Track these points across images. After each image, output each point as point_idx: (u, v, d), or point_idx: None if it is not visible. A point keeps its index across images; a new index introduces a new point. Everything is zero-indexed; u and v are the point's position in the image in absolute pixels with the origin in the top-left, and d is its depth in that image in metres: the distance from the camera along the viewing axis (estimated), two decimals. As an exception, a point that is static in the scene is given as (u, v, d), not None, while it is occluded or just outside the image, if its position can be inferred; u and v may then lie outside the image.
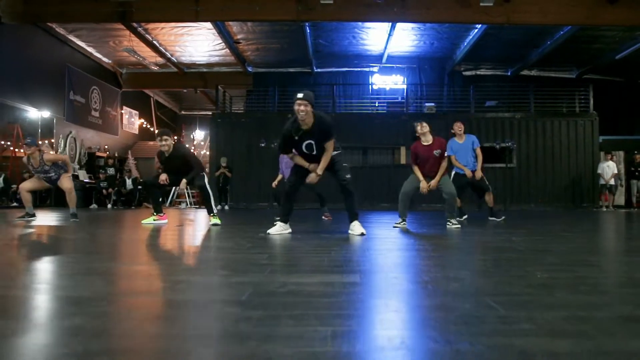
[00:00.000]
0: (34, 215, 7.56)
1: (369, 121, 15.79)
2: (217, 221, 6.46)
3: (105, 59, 17.63)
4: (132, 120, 20.31)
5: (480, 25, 13.84)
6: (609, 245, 4.53)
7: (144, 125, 21.19)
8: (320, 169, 4.81)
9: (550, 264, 2.86)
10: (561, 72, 18.05)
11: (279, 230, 4.90)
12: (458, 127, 7.71)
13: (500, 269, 2.66)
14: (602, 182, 15.34)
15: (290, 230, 5.01)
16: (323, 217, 8.22)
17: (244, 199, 15.60)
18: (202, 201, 6.88)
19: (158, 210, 6.87)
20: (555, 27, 13.77)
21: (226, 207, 15.00)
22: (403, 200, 6.26)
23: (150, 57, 16.65)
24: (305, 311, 1.65)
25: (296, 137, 4.73)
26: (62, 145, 15.10)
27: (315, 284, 2.15)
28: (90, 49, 16.53)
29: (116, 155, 17.78)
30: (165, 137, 6.69)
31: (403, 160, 15.85)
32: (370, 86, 18.15)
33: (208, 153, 19.69)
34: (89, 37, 15.45)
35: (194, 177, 6.64)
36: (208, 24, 13.83)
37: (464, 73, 18.05)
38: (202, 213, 11.78)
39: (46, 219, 8.27)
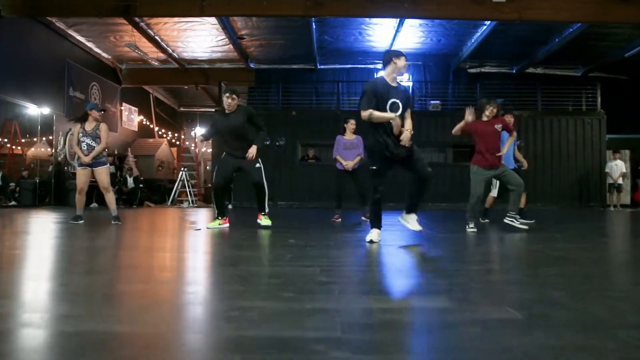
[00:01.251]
0: (81, 219, 6.91)
1: (374, 119, 15.53)
2: (268, 223, 6.14)
3: (104, 55, 17.26)
4: (131, 117, 19.94)
5: (489, 22, 13.62)
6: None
7: (144, 122, 20.83)
8: (408, 128, 4.51)
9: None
10: (567, 70, 17.86)
11: (376, 237, 4.48)
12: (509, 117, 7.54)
13: (592, 289, 2.43)
14: (610, 181, 15.23)
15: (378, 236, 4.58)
16: (362, 218, 7.94)
17: (247, 197, 15.29)
18: (256, 197, 6.38)
19: (222, 214, 6.40)
20: (565, 24, 13.56)
21: (230, 206, 14.74)
22: (478, 204, 6.06)
23: (151, 52, 16.31)
24: (427, 352, 1.41)
25: (389, 96, 4.50)
26: (61, 143, 14.76)
27: (406, 311, 1.91)
28: (90, 44, 16.16)
29: (116, 152, 17.44)
30: (234, 95, 6.23)
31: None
32: (375, 83, 17.87)
33: (210, 151, 19.41)
34: (89, 32, 15.08)
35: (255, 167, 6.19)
36: (212, 19, 13.51)
37: (468, 70, 17.83)
38: (205, 214, 11.51)
39: (50, 220, 7.99)
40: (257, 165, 6.23)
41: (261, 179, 6.20)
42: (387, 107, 4.48)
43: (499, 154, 6.08)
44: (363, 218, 7.89)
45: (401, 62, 4.50)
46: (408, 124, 4.54)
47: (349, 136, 8.34)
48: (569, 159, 15.62)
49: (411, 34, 15.02)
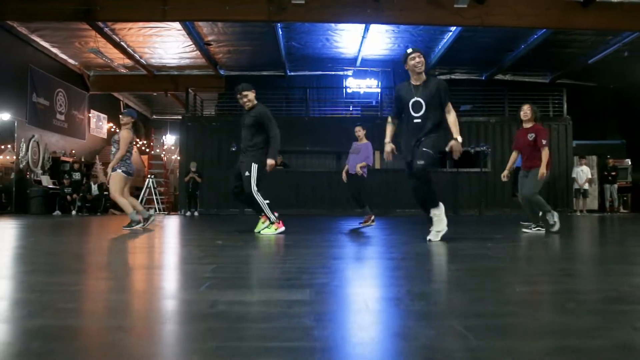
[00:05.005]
0: (147, 219, 6.55)
1: (342, 125, 15.48)
2: (269, 232, 5.61)
3: (71, 61, 17.01)
4: (100, 124, 19.66)
5: (454, 28, 13.69)
6: (590, 251, 4.27)
7: (113, 130, 20.54)
8: (457, 134, 4.49)
9: (529, 275, 2.56)
10: (535, 77, 18.06)
11: (443, 226, 4.50)
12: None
13: (474, 282, 2.35)
14: (576, 186, 15.34)
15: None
16: (360, 224, 7.66)
17: (215, 205, 15.14)
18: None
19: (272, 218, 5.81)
20: (529, 30, 13.68)
21: (196, 214, 14.57)
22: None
23: (118, 58, 16.11)
24: (225, 342, 1.30)
25: (412, 95, 4.52)
26: (23, 150, 14.46)
27: (253, 303, 1.80)
28: (54, 50, 15.91)
29: (83, 160, 17.15)
30: (245, 92, 5.79)
31: (377, 165, 15.59)
32: (344, 90, 17.90)
33: (178, 158, 19.19)
34: (53, 37, 14.84)
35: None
36: (177, 25, 13.39)
37: (438, 77, 17.89)
38: (172, 221, 11.32)
39: (6, 229, 7.76)
40: (247, 173, 5.64)
41: (248, 188, 5.62)
42: (410, 107, 4.51)
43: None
44: (360, 224, 7.58)
45: (411, 60, 4.50)
46: (454, 127, 4.51)
47: (360, 141, 8.03)
48: (536, 165, 15.67)
49: (378, 41, 15.03)
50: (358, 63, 16.75)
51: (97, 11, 11.92)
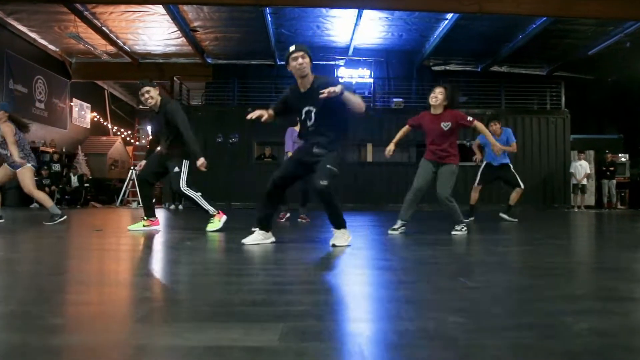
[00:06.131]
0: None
1: (334, 116, 14.94)
2: (212, 227, 5.20)
3: (51, 46, 16.28)
4: (82, 114, 18.96)
5: (451, 16, 13.13)
6: (624, 261, 3.74)
7: (96, 119, 19.86)
8: (339, 88, 3.51)
9: (570, 299, 2.02)
10: (532, 69, 17.56)
11: (256, 239, 3.84)
12: (494, 124, 7.83)
13: (486, 307, 1.81)
14: (574, 181, 14.89)
15: (273, 239, 3.93)
16: (299, 220, 7.41)
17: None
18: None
19: (149, 214, 5.48)
20: (528, 19, 13.17)
21: (180, 207, 13.97)
22: (411, 199, 5.14)
23: (100, 45, 15.43)
24: None
25: (302, 103, 3.79)
26: (-1, 139, 13.79)
27: (190, 352, 1.26)
28: (33, 35, 15.19)
29: (64, 150, 16.48)
30: (147, 87, 5.33)
31: (370, 158, 15.09)
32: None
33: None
34: (31, 21, 14.12)
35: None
36: (161, 9, 12.73)
37: (433, 68, 17.37)
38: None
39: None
40: (176, 169, 5.31)
41: (177, 185, 5.28)
42: (303, 117, 3.81)
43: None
44: (299, 220, 7.36)
45: (293, 61, 3.69)
46: (352, 96, 3.70)
47: None
48: (533, 159, 15.24)
49: (371, 29, 14.45)
50: (350, 52, 16.18)
51: (74, -7, 11.31)
